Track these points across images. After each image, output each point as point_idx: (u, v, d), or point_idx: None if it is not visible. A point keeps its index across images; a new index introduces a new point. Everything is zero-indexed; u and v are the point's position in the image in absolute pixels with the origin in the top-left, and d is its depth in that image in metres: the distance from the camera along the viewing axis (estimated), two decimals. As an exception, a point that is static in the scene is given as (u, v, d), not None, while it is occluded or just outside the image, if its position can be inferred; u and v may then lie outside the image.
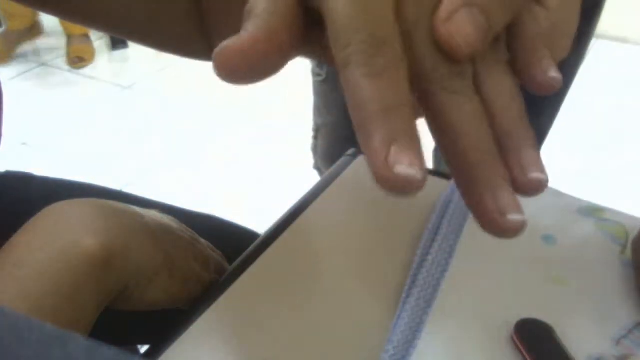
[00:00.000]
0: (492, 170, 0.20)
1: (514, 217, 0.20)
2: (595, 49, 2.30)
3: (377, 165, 0.19)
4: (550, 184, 0.48)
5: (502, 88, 0.22)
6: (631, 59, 2.40)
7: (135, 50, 2.48)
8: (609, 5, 0.71)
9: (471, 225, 0.45)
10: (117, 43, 2.52)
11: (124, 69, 2.43)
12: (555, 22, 0.29)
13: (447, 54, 0.20)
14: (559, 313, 0.38)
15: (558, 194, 0.48)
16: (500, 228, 0.20)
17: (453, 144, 0.21)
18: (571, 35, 0.34)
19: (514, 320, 0.37)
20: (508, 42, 0.24)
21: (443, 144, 0.21)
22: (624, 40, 2.45)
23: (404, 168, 0.18)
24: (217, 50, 0.20)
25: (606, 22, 0.73)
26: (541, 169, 0.21)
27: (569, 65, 0.74)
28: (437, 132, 0.21)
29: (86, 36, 2.49)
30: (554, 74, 0.23)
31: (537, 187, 0.21)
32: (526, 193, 0.21)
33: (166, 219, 0.43)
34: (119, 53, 2.52)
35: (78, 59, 2.41)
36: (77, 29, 2.42)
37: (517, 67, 0.23)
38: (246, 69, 0.20)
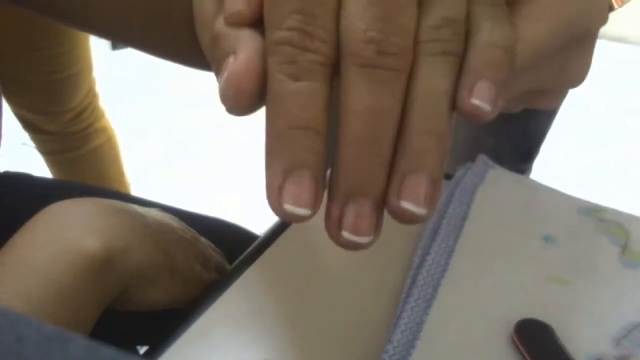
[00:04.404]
0: (360, 179, 0.17)
1: (349, 237, 0.18)
2: (595, 49, 2.30)
3: (269, 192, 0.18)
4: (550, 184, 0.48)
5: (431, 90, 0.17)
6: (631, 59, 2.40)
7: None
8: (609, 5, 0.70)
9: (471, 225, 0.45)
10: (116, 43, 2.52)
11: (123, 70, 2.43)
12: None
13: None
14: (559, 313, 0.38)
15: (558, 194, 0.48)
16: (334, 239, 0.19)
17: (341, 130, 0.18)
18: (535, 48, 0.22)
19: (514, 320, 0.37)
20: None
21: (337, 125, 0.18)
22: (624, 40, 2.45)
23: (291, 207, 0.17)
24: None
25: (606, 22, 0.73)
26: (419, 201, 0.17)
27: None
28: (337, 114, 0.18)
29: None
30: (478, 101, 0.17)
31: (406, 218, 0.18)
32: (396, 219, 0.18)
33: (167, 218, 0.43)
34: (118, 53, 2.52)
35: None
36: None
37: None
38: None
